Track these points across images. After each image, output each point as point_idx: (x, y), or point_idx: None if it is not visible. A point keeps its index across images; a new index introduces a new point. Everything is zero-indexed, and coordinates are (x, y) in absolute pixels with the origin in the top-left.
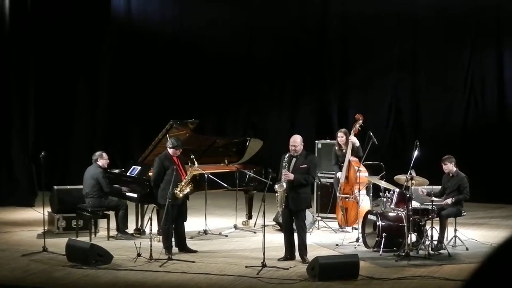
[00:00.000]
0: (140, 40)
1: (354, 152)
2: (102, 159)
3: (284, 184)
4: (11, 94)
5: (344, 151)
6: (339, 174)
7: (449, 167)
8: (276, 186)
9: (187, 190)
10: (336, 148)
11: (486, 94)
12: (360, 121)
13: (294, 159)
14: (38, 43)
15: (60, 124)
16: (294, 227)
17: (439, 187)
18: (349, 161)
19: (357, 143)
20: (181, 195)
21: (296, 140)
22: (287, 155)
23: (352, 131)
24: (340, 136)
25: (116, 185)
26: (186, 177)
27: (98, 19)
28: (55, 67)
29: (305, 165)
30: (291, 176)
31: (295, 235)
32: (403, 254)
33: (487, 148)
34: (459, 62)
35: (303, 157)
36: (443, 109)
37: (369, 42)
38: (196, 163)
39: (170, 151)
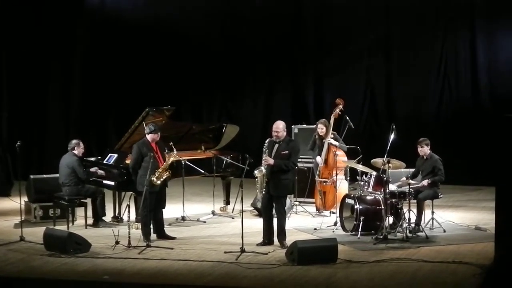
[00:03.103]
0: (114, 27)
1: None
2: (78, 148)
3: (263, 169)
4: None
5: (324, 140)
6: (318, 159)
7: (425, 149)
8: (256, 172)
9: (164, 176)
10: (317, 136)
11: (459, 78)
12: (341, 106)
13: (276, 145)
14: (9, 32)
15: (35, 113)
16: (273, 212)
17: (412, 170)
18: (328, 145)
19: (337, 143)
20: (158, 182)
21: (279, 126)
22: (268, 140)
23: (332, 116)
24: (320, 128)
25: (93, 169)
26: (163, 164)
27: (70, 6)
28: (28, 56)
29: (287, 151)
30: (271, 161)
31: (274, 220)
32: (381, 237)
33: (463, 131)
34: (433, 47)
35: (285, 143)
36: (417, 94)
37: (343, 27)
38: (174, 149)
39: (148, 137)
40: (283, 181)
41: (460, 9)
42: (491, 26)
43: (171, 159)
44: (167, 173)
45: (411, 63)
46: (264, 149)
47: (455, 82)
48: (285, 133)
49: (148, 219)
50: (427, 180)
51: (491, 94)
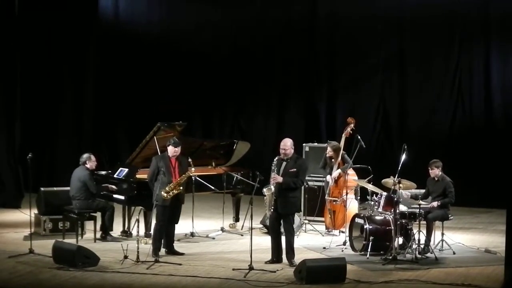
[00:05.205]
0: (127, 42)
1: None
2: (90, 162)
3: (272, 187)
4: None
5: (333, 160)
6: (328, 177)
7: (436, 171)
8: (264, 190)
9: (175, 192)
10: (327, 156)
11: (473, 97)
12: (352, 125)
13: (284, 163)
14: (24, 43)
15: (47, 126)
16: (282, 230)
17: (423, 190)
18: (339, 164)
19: (339, 171)
20: (168, 197)
21: (287, 144)
22: (277, 158)
23: (343, 135)
24: (329, 151)
25: (104, 184)
26: (177, 180)
27: (85, 20)
28: (42, 68)
29: (295, 169)
30: (280, 179)
31: (282, 238)
32: (390, 257)
33: (474, 151)
34: (447, 64)
35: (293, 161)
36: (430, 111)
37: (356, 43)
38: (193, 167)
39: (169, 149)
40: (290, 199)
41: (475, 26)
42: (506, 44)
43: (187, 175)
44: (179, 189)
45: (425, 79)
46: (272, 167)
47: (469, 100)
48: (293, 151)
49: (160, 234)
50: (436, 202)
51: (505, 113)
